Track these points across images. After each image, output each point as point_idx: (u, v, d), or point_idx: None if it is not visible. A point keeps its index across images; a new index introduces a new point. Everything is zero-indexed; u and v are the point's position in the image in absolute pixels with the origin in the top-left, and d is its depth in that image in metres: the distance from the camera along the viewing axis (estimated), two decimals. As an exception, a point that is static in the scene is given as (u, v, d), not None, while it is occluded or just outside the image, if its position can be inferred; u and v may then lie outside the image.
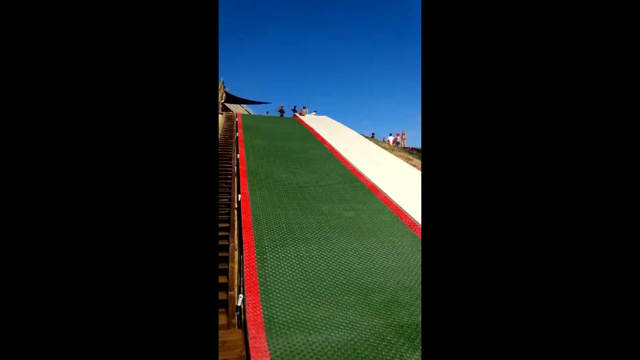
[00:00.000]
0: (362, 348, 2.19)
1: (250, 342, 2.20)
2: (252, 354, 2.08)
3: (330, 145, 8.05)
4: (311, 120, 11.42)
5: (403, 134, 13.76)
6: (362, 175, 6.15)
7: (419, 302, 2.83)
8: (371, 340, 2.29)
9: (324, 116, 12.46)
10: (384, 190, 5.47)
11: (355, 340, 2.29)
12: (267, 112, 14.30)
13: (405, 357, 2.04)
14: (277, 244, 3.67)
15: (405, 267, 3.44)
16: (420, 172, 7.37)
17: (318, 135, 9.09)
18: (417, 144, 13.48)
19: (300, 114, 12.46)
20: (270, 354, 2.10)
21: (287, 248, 3.60)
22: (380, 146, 9.70)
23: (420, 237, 4.11)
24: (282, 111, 13.77)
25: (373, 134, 12.77)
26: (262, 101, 16.24)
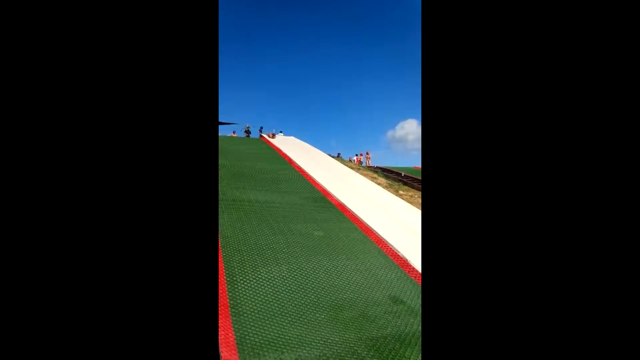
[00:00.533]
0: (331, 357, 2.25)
1: (223, 365, 2.19)
2: (225, 376, 2.08)
3: (298, 166, 8.18)
4: (278, 141, 11.56)
5: (367, 153, 14.25)
6: (330, 195, 6.31)
7: (387, 316, 2.95)
8: (342, 354, 2.36)
9: (291, 137, 12.65)
10: (352, 209, 5.64)
11: (327, 355, 2.35)
12: (234, 132, 14.27)
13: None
14: (247, 265, 3.67)
15: (373, 283, 3.57)
16: (384, 190, 7.67)
17: (285, 155, 9.22)
18: (381, 163, 13.99)
19: (270, 137, 12.36)
20: (244, 375, 2.10)
21: (257, 270, 3.61)
22: (347, 165, 9.98)
23: (387, 253, 4.28)
24: (248, 132, 13.80)
25: (339, 153, 13.12)
26: (228, 122, 16.20)
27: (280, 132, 13.37)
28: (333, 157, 11.51)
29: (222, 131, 14.85)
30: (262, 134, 13.01)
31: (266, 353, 2.36)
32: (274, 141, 11.37)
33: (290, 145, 10.73)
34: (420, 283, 3.67)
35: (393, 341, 2.52)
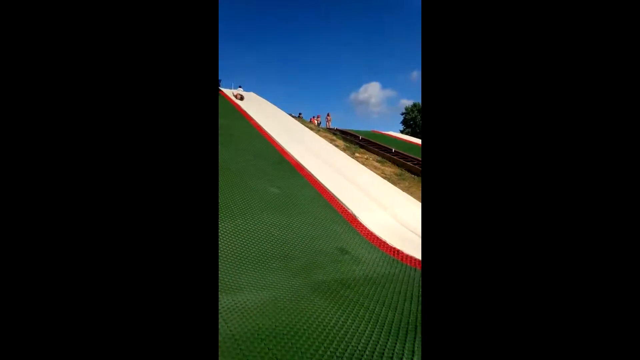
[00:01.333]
0: (283, 302, 2.53)
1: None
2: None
3: (256, 123, 8.12)
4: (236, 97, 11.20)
5: (328, 115, 14.34)
6: (287, 154, 6.44)
7: (332, 264, 3.28)
8: (290, 296, 2.65)
9: (251, 93, 12.30)
10: (308, 168, 5.85)
11: (277, 297, 2.63)
12: None
13: (317, 306, 2.44)
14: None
15: (323, 235, 3.88)
16: (342, 152, 7.93)
17: (244, 111, 9.05)
18: (342, 125, 14.18)
19: (236, 97, 10.93)
20: (199, 312, 2.32)
21: (214, 222, 3.75)
22: (307, 126, 10.05)
23: (337, 209, 4.60)
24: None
25: (300, 114, 13.07)
26: None
27: (240, 86, 12.90)
28: (294, 117, 11.46)
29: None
30: (220, 88, 12.48)
31: (223, 296, 2.58)
32: (231, 96, 10.95)
33: (250, 101, 10.48)
34: (366, 238, 4.05)
35: (335, 284, 2.86)
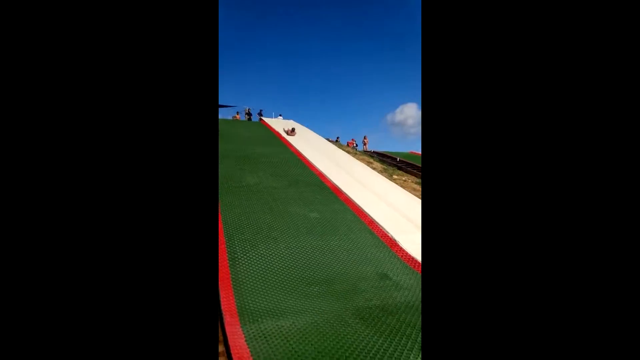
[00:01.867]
0: (325, 328, 2.57)
1: (227, 327, 2.51)
2: (229, 336, 2.39)
3: (296, 149, 8.40)
4: (277, 124, 11.72)
5: (364, 137, 14.45)
6: (326, 178, 6.58)
7: (373, 290, 3.26)
8: (332, 321, 2.68)
9: (290, 120, 12.80)
10: (346, 192, 5.92)
11: (319, 322, 2.67)
12: (237, 114, 14.19)
13: (359, 332, 2.45)
14: (247, 244, 3.97)
15: (363, 259, 3.89)
16: (379, 175, 7.94)
17: (284, 139, 9.42)
18: (379, 147, 14.19)
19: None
20: (245, 335, 2.42)
21: (257, 247, 3.91)
22: (344, 150, 10.20)
23: (377, 234, 4.59)
24: (249, 114, 13.93)
25: (338, 138, 13.31)
26: (228, 105, 16.25)
27: (280, 115, 13.48)
28: (331, 141, 11.70)
29: (222, 114, 14.98)
30: (262, 118, 13.14)
31: (264, 319, 2.67)
32: (273, 125, 11.45)
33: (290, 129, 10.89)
34: (406, 262, 3.98)
35: (377, 310, 2.84)
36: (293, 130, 10.69)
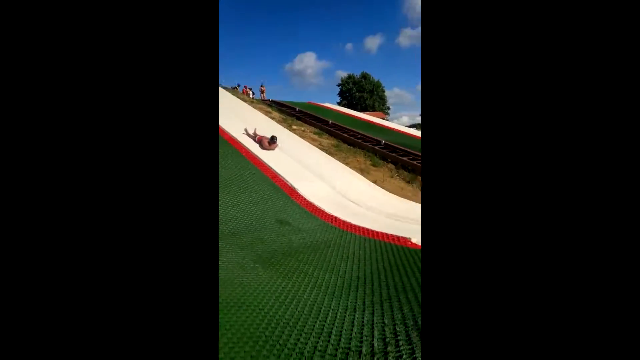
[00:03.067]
0: (228, 273, 2.62)
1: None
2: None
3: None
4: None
5: (262, 86, 13.99)
6: (222, 130, 6.26)
7: (276, 237, 3.41)
8: (237, 270, 2.75)
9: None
10: (244, 144, 5.78)
11: (226, 274, 2.70)
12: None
13: (260, 276, 2.57)
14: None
15: (264, 209, 3.97)
16: (278, 124, 7.91)
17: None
18: (277, 97, 13.97)
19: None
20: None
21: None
22: (241, 99, 9.75)
23: (277, 183, 4.69)
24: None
25: (238, 84, 12.58)
26: None
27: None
28: (229, 88, 11.01)
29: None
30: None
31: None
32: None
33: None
34: (304, 207, 4.23)
35: (278, 255, 3.01)
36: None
